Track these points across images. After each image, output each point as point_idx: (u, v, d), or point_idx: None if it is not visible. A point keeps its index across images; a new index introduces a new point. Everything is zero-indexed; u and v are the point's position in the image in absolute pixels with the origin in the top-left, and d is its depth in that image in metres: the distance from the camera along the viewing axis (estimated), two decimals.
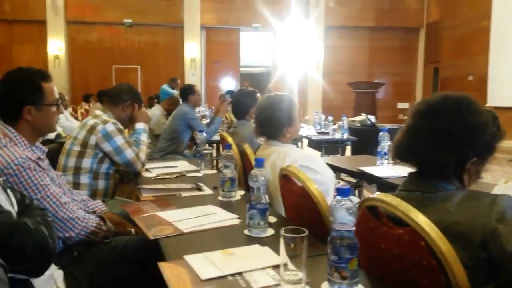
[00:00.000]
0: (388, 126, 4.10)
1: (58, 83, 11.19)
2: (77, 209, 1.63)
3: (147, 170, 2.45)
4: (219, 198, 1.84)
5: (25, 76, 1.64)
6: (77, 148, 2.23)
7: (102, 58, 11.84)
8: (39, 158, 1.60)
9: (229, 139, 2.63)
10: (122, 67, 11.81)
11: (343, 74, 11.52)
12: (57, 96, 1.72)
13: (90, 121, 2.29)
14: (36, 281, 1.20)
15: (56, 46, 11.41)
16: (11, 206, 1.26)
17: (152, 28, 11.91)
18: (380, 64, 12.55)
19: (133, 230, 1.82)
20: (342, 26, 12.27)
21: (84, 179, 2.22)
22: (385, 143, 2.67)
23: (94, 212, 1.81)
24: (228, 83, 12.17)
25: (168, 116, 4.69)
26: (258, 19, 11.79)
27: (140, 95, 2.61)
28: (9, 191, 1.31)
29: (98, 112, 2.39)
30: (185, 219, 1.52)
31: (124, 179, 2.76)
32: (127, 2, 11.53)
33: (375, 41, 12.62)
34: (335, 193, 1.01)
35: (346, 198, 1.00)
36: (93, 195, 2.21)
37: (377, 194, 1.12)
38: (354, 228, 0.98)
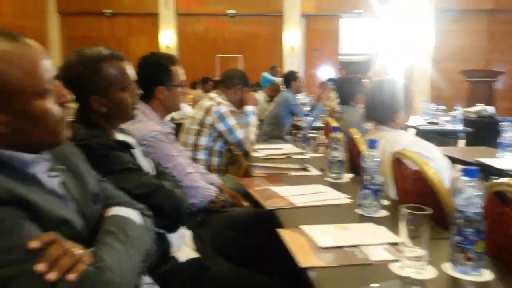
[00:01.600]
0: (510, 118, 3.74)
1: None
2: (199, 179, 1.80)
3: (255, 150, 2.58)
4: (327, 179, 1.88)
5: (158, 60, 1.85)
6: (195, 127, 2.44)
7: (207, 48, 12.49)
8: (168, 132, 1.80)
9: (335, 124, 2.64)
10: (225, 56, 12.35)
11: (455, 61, 10.62)
12: (183, 78, 1.91)
13: (207, 103, 2.48)
14: (170, 236, 1.37)
15: (167, 37, 12.32)
16: (150, 171, 1.46)
17: (253, 18, 12.23)
18: (499, 51, 11.31)
19: (245, 203, 1.97)
20: (456, 9, 11.29)
21: (201, 155, 2.43)
22: (509, 134, 2.45)
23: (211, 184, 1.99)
24: (326, 72, 12.03)
25: (271, 102, 4.83)
26: (359, 5, 11.41)
27: (249, 80, 2.75)
28: (147, 158, 1.51)
29: (213, 95, 2.58)
30: (297, 194, 1.60)
31: (231, 160, 2.95)
32: None
33: (494, 25, 11.39)
34: (461, 173, 0.99)
35: (474, 179, 0.98)
36: (208, 170, 2.41)
37: (506, 179, 1.06)
38: (482, 210, 0.95)
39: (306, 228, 1.22)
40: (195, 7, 12.29)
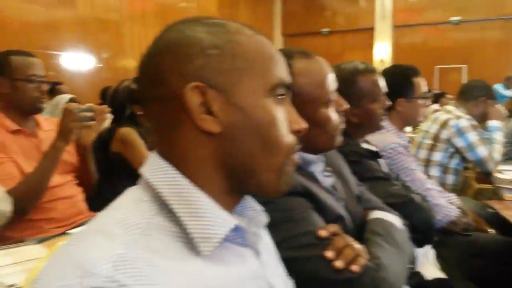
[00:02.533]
0: None
1: None
2: (438, 196, 1.70)
3: (499, 171, 2.27)
4: None
5: (400, 71, 1.84)
6: (428, 141, 2.32)
7: (425, 59, 11.75)
8: (405, 145, 1.77)
9: None
10: (446, 67, 11.39)
11: None
12: (424, 89, 1.84)
13: (443, 116, 2.33)
14: (416, 251, 1.34)
15: (382, 50, 12.19)
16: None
17: (481, 23, 10.90)
18: None
19: (489, 229, 1.76)
20: None
21: (434, 171, 2.29)
22: None
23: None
24: None
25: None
26: None
27: (494, 92, 2.45)
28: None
29: (450, 108, 2.40)
30: None
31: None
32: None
33: None
34: None
35: None
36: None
37: None
38: None
39: None
40: (413, 18, 11.78)
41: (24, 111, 1.56)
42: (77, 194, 1.64)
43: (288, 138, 0.55)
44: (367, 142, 1.55)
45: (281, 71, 0.56)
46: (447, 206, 1.67)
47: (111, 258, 0.41)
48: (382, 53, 12.18)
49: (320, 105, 0.93)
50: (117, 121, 2.08)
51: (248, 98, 0.52)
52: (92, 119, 1.52)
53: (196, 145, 0.51)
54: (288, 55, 0.93)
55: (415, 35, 11.91)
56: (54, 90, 4.64)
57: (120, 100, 2.06)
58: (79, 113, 1.48)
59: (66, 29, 7.55)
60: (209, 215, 0.50)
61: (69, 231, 1.31)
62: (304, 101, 0.91)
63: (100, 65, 8.18)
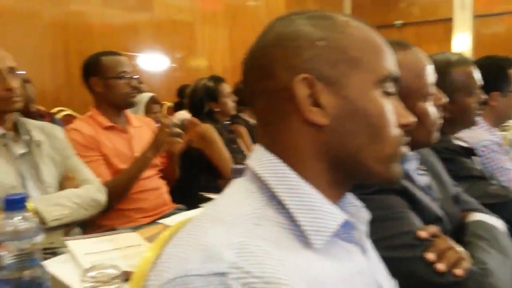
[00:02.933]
0: None
1: None
2: None
3: None
4: None
5: (495, 62, 1.70)
6: None
7: (508, 51, 10.82)
8: (498, 143, 1.63)
9: None
10: None
11: None
12: None
13: None
14: None
15: (461, 42, 11.42)
16: None
17: None
18: None
19: None
20: None
21: None
22: None
23: None
24: None
25: None
26: None
27: None
28: None
29: None
30: None
31: None
32: None
33: None
34: None
35: None
36: None
37: None
38: None
39: None
40: (496, 7, 10.89)
41: (117, 106, 1.68)
42: (162, 186, 1.74)
43: (396, 131, 0.54)
44: (459, 138, 1.45)
45: (391, 63, 0.55)
46: None
47: (232, 245, 0.42)
48: (462, 45, 11.39)
49: (418, 98, 0.88)
50: (196, 118, 2.16)
51: (356, 90, 0.51)
52: (182, 131, 1.61)
53: (303, 138, 0.52)
54: None
55: (498, 25, 11.00)
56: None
57: (199, 98, 2.13)
58: (173, 128, 1.56)
59: (143, 31, 7.99)
60: (320, 208, 0.50)
61: (158, 221, 1.39)
62: (402, 95, 0.87)
63: (174, 65, 8.56)
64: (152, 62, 8.19)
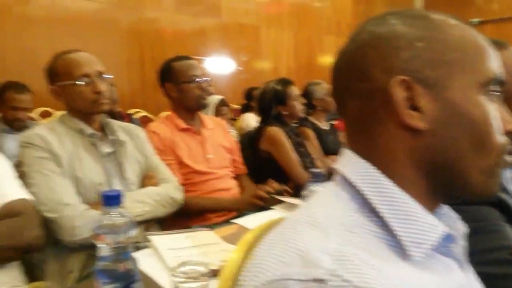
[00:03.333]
0: None
1: None
2: None
3: None
4: None
5: None
6: None
7: None
8: None
9: None
10: None
11: None
12: None
13: None
14: None
15: None
16: None
17: None
18: None
19: None
20: None
21: None
22: None
23: None
24: None
25: None
26: None
27: None
28: None
29: None
30: None
31: None
32: None
33: None
34: None
35: None
36: None
37: None
38: None
39: None
40: None
41: (191, 109, 1.76)
42: (234, 187, 1.78)
43: (501, 139, 0.50)
44: None
45: (495, 65, 0.51)
46: None
47: (328, 251, 0.42)
48: None
49: None
50: (265, 121, 2.18)
51: (459, 93, 0.48)
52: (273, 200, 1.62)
53: (398, 143, 0.49)
54: None
55: None
56: None
57: (267, 101, 2.15)
58: (268, 196, 1.60)
59: (211, 36, 8.24)
60: (419, 218, 0.47)
61: (232, 220, 1.42)
62: (504, 98, 0.82)
63: (240, 68, 8.72)
64: (219, 66, 8.43)
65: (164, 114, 2.29)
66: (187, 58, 1.80)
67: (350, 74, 0.52)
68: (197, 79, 1.75)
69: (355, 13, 11.10)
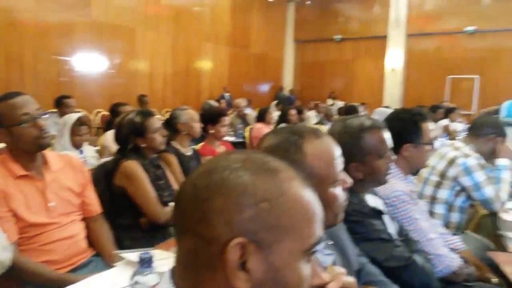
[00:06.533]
0: None
1: (391, 96, 11.85)
2: (442, 246, 1.68)
3: (505, 211, 2.23)
4: None
5: (409, 116, 1.81)
6: (435, 178, 2.28)
7: (437, 69, 11.69)
8: (410, 190, 1.74)
9: None
10: (458, 77, 11.27)
11: None
12: (432, 135, 1.82)
13: (451, 152, 2.30)
14: None
15: (394, 59, 12.10)
16: (396, 235, 1.44)
17: (497, 34, 10.77)
18: None
19: (493, 279, 1.72)
20: None
21: (439, 209, 2.26)
22: None
23: (452, 249, 1.82)
24: None
25: None
26: None
27: (504, 130, 2.40)
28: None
29: (459, 144, 2.36)
30: None
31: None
32: (470, 9, 10.91)
33: None
34: None
35: None
36: (445, 226, 2.22)
37: None
38: None
39: None
40: (428, 27, 11.68)
41: (30, 152, 1.53)
42: (79, 233, 1.64)
43: None
44: (371, 191, 1.54)
45: (319, 229, 0.57)
46: (449, 255, 1.64)
47: None
48: (394, 62, 12.08)
49: (329, 184, 0.93)
50: (121, 152, 2.08)
51: (284, 258, 0.53)
52: None
53: None
54: (299, 134, 0.93)
55: (429, 44, 11.81)
56: (61, 103, 4.55)
57: (125, 133, 2.06)
58: None
59: (79, 32, 7.60)
60: None
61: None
62: (316, 182, 0.90)
63: (112, 70, 8.22)
64: (88, 66, 7.82)
65: None
66: (12, 95, 1.50)
67: (193, 212, 0.54)
68: (30, 118, 1.48)
69: (232, 20, 11.38)
